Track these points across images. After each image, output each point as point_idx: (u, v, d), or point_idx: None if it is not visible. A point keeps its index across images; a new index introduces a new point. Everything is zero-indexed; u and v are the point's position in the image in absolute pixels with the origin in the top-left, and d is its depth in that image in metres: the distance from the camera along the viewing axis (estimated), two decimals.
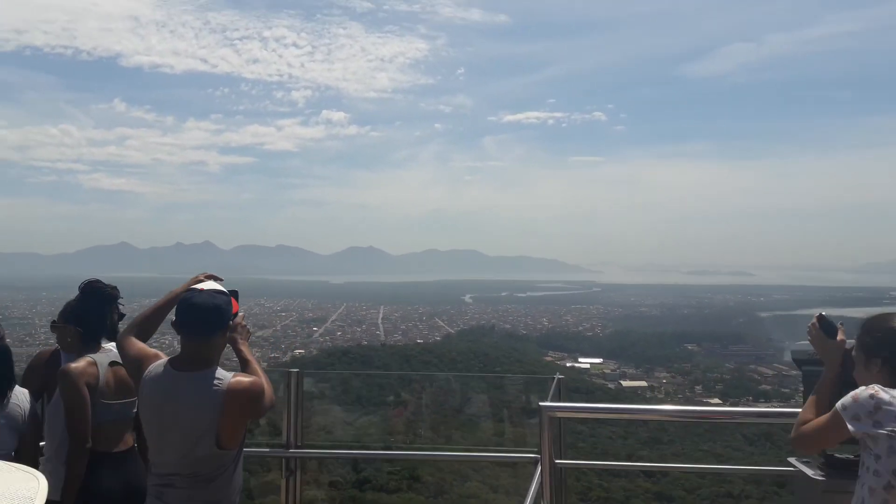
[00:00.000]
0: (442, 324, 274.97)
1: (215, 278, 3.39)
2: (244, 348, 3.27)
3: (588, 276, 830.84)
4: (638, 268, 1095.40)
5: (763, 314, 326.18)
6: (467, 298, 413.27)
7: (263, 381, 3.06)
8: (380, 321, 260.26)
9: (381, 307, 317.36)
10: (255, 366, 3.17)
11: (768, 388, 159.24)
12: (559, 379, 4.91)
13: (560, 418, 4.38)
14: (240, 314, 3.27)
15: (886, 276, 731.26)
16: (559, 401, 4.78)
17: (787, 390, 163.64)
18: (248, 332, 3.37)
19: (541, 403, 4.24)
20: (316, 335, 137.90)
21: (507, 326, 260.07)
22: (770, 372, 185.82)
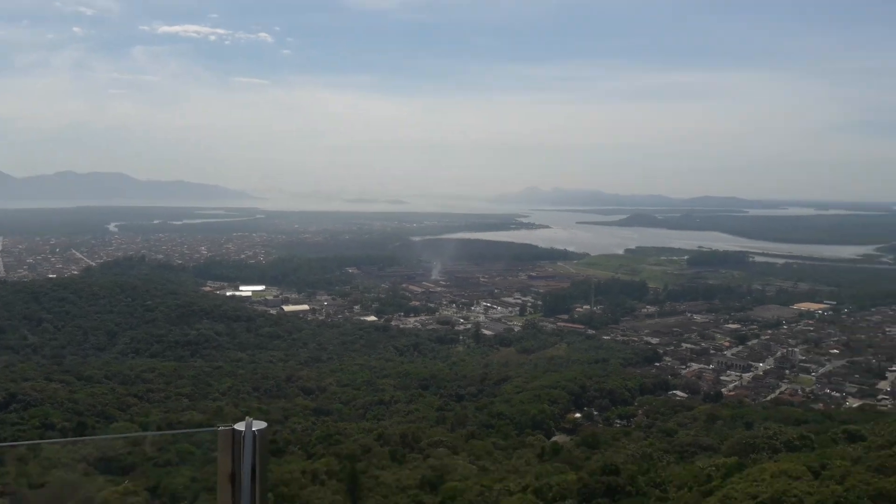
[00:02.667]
0: (81, 256, 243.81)
1: None
2: None
3: (252, 203, 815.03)
4: (304, 195, 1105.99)
5: (415, 238, 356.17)
6: (112, 227, 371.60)
7: None
8: None
9: (0, 238, 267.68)
10: None
11: (417, 303, 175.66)
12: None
13: None
14: None
15: (515, 206, 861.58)
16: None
17: (432, 305, 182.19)
18: None
19: None
20: None
21: (160, 257, 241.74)
22: (419, 289, 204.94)
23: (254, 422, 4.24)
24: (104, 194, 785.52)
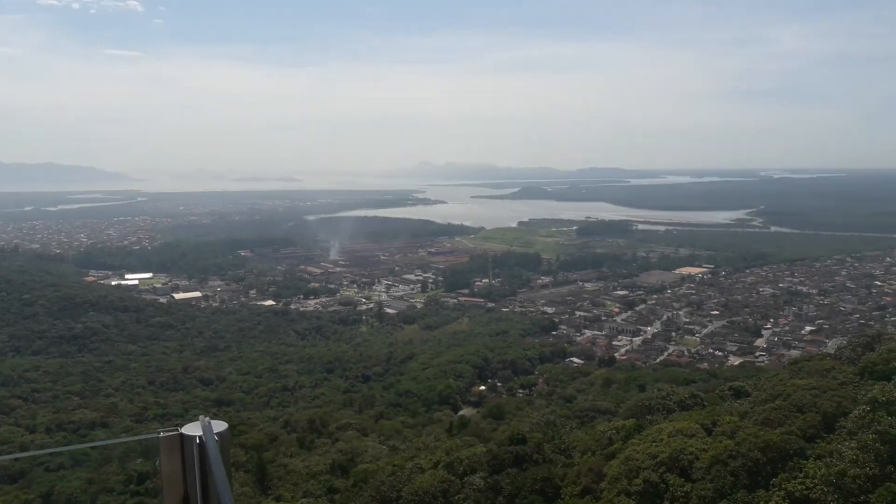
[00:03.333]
0: None
1: None
2: None
3: (131, 185, 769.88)
4: (187, 175, 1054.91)
5: (310, 217, 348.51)
6: None
7: None
8: None
9: None
10: None
11: (317, 285, 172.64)
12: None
13: None
14: None
15: (409, 181, 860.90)
16: None
17: (333, 286, 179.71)
18: None
19: None
20: None
21: (36, 246, 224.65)
22: (318, 270, 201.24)
23: (212, 422, 3.45)
24: None
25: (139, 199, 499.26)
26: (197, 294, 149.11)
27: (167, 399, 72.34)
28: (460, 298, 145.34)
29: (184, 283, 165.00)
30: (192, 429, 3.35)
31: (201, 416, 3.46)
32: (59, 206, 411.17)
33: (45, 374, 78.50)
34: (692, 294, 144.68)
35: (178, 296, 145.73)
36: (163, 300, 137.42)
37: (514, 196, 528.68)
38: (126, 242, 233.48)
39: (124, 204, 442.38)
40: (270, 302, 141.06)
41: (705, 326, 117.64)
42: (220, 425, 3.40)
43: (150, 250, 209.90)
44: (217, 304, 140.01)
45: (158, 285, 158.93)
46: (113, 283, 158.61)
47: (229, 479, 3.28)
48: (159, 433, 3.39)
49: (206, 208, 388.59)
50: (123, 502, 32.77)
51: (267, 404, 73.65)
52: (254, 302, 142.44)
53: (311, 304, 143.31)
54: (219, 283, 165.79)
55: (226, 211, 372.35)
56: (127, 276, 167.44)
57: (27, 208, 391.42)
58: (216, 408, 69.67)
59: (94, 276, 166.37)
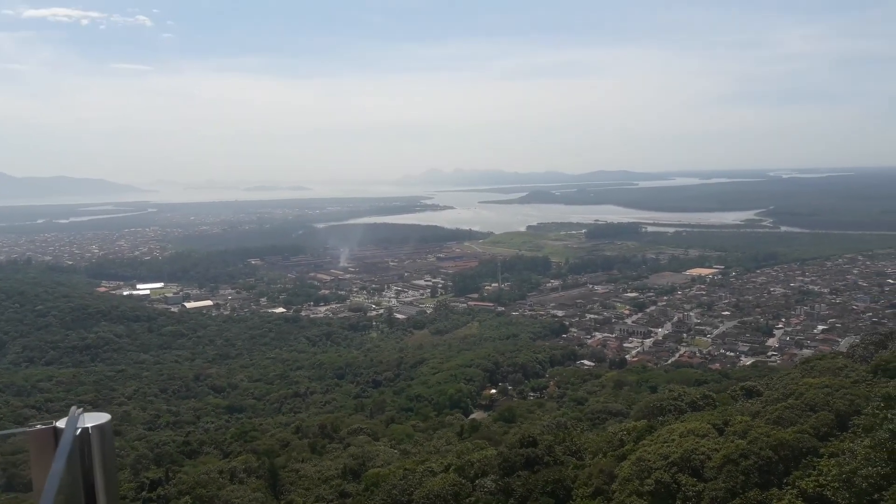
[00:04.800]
0: None
1: None
2: None
3: (142, 197, 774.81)
4: (197, 186, 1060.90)
5: (319, 225, 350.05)
6: None
7: None
8: None
9: None
10: None
11: (327, 291, 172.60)
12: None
13: None
14: None
15: (418, 188, 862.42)
16: None
17: (342, 292, 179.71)
18: None
19: None
20: None
21: (48, 258, 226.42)
22: (328, 277, 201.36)
23: (86, 415, 3.10)
24: None
25: (149, 210, 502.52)
26: (208, 303, 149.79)
27: (179, 406, 72.71)
28: (470, 303, 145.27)
29: (195, 292, 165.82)
30: (69, 422, 3.02)
31: (73, 408, 3.14)
32: (71, 219, 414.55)
33: (59, 384, 79.13)
34: (703, 295, 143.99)
35: (190, 305, 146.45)
36: (174, 309, 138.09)
37: (522, 200, 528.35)
38: (137, 253, 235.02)
39: (135, 215, 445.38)
40: (281, 309, 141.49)
41: (716, 327, 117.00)
42: (100, 417, 3.12)
43: (161, 260, 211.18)
44: (228, 313, 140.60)
45: (170, 294, 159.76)
46: (125, 293, 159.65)
47: (113, 473, 3.07)
48: (34, 426, 3.08)
49: (217, 218, 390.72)
50: None
51: (278, 410, 73.86)
52: (265, 309, 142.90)
53: (322, 310, 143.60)
54: (230, 291, 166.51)
55: (236, 220, 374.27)
56: (138, 286, 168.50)
57: (39, 221, 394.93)
58: (228, 414, 69.98)
59: (105, 287, 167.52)
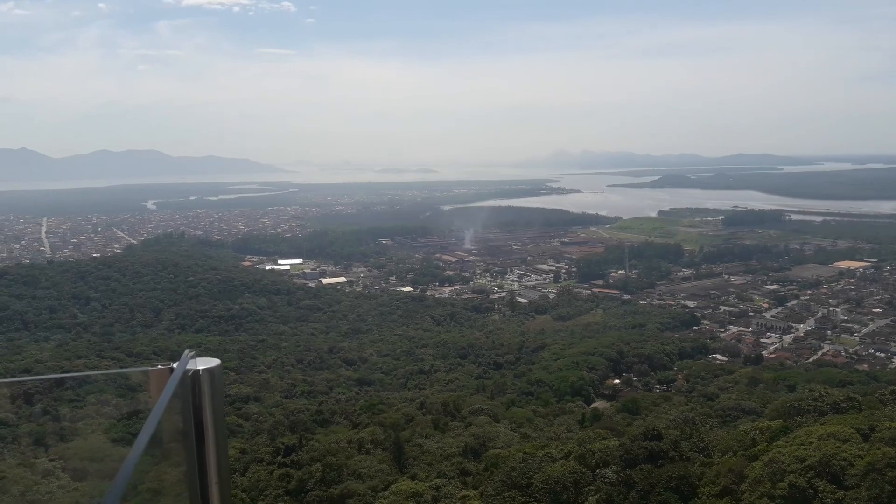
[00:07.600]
0: (122, 234, 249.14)
1: None
2: None
3: (283, 177, 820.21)
4: (334, 167, 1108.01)
5: (446, 207, 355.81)
6: (150, 205, 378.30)
7: None
8: (43, 235, 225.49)
9: (44, 219, 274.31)
10: None
11: (451, 273, 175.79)
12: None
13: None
14: None
15: (544, 170, 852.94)
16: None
17: (466, 274, 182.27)
18: None
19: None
20: None
21: (199, 233, 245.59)
22: (452, 259, 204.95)
23: (198, 359, 3.38)
24: (139, 172, 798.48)
25: (290, 189, 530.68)
26: (342, 279, 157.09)
27: (314, 377, 77.07)
28: (594, 289, 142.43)
29: (330, 268, 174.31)
30: (181, 363, 3.30)
31: (186, 351, 3.41)
32: (220, 196, 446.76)
33: (206, 351, 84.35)
34: (851, 290, 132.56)
35: (326, 280, 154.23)
36: (311, 284, 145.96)
37: (653, 185, 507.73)
38: (279, 230, 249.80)
39: (277, 194, 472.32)
40: (408, 288, 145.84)
41: (865, 325, 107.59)
42: (211, 361, 3.39)
43: (300, 238, 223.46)
44: (360, 289, 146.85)
45: (308, 270, 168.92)
46: (267, 267, 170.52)
47: (220, 413, 3.35)
48: (155, 366, 3.34)
49: (351, 198, 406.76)
50: (271, 472, 35.50)
51: (404, 385, 76.42)
52: (393, 288, 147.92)
53: (446, 291, 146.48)
54: (362, 269, 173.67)
55: (368, 201, 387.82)
56: (280, 262, 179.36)
57: (192, 198, 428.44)
58: (358, 387, 73.34)
59: (250, 261, 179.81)
